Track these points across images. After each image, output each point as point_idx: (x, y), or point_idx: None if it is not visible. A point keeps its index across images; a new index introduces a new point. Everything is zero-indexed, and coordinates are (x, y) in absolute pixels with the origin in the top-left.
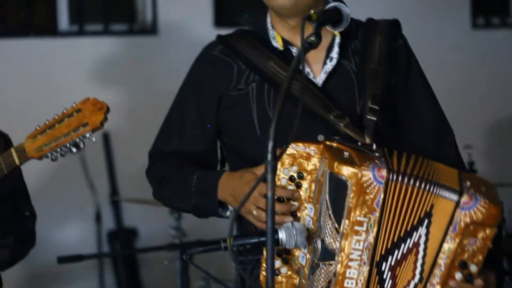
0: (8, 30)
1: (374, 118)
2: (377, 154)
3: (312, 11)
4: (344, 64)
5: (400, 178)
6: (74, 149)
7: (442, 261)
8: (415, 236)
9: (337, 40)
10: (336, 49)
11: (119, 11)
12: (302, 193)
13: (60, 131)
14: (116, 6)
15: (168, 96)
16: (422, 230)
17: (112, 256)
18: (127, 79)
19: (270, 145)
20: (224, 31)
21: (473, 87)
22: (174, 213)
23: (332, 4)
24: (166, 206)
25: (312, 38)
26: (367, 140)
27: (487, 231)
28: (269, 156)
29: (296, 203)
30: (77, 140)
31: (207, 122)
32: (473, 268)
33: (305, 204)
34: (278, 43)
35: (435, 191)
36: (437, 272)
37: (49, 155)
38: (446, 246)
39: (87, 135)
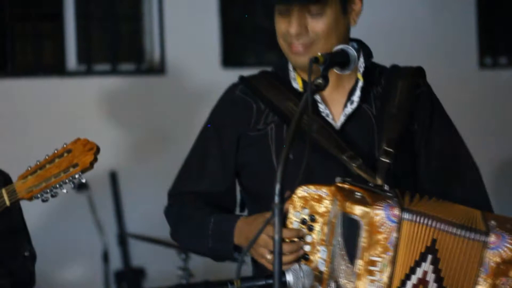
0: (17, 70)
1: (387, 161)
2: (389, 194)
3: (319, 54)
4: (365, 108)
5: (414, 217)
6: (64, 190)
7: None
8: (424, 275)
9: (360, 84)
10: (358, 93)
11: (127, 51)
12: (315, 235)
13: (50, 171)
14: (124, 45)
15: (176, 135)
16: (426, 266)
17: None
18: (134, 118)
19: (277, 187)
20: (232, 71)
21: (480, 126)
22: (182, 253)
23: (339, 46)
24: (183, 248)
25: (319, 81)
26: (379, 181)
27: None
28: (276, 199)
29: (307, 245)
30: (67, 180)
31: (227, 164)
32: None
33: (318, 247)
34: (298, 85)
35: (452, 231)
36: None
37: (39, 195)
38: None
39: (77, 176)
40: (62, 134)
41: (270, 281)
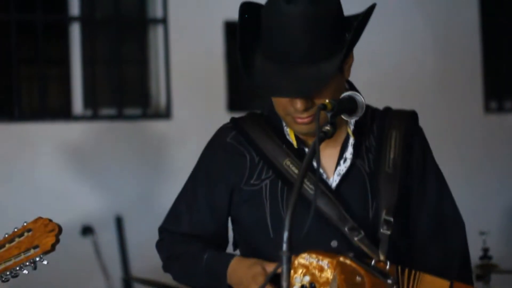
0: (23, 114)
1: (388, 232)
2: (389, 282)
3: (327, 101)
4: (358, 165)
5: None
6: (25, 271)
7: None
8: None
9: (351, 141)
10: (350, 150)
11: (133, 95)
12: None
13: (10, 252)
14: (130, 90)
15: (181, 180)
16: None
17: None
18: (140, 163)
19: (285, 235)
20: (237, 115)
21: (487, 171)
22: None
23: (347, 93)
24: (176, 282)
25: (327, 128)
26: (381, 257)
27: None
28: (284, 246)
29: None
30: (27, 263)
31: (217, 212)
32: None
33: None
34: (292, 141)
35: None
36: None
37: None
38: None
39: (37, 258)
40: (68, 178)
41: None
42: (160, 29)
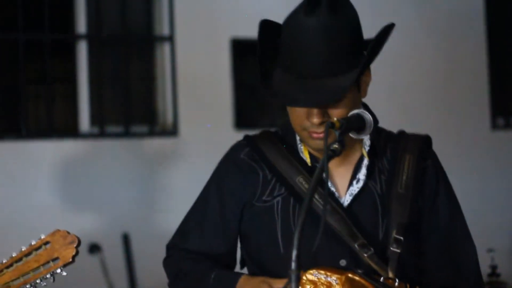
0: (30, 132)
1: (398, 250)
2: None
3: (335, 119)
4: (370, 186)
5: None
6: (44, 284)
7: None
8: None
9: (365, 162)
10: (363, 171)
11: (140, 113)
12: None
13: (29, 266)
14: (137, 107)
15: (188, 197)
16: None
17: None
18: (147, 180)
19: (294, 253)
20: (244, 133)
21: (494, 187)
22: None
23: (355, 111)
24: None
25: (336, 146)
26: (390, 274)
27: None
28: (293, 265)
29: None
30: (48, 275)
31: (227, 229)
32: None
33: None
34: (305, 157)
35: None
36: None
37: None
38: None
39: (58, 270)
40: (75, 195)
41: None
42: (167, 47)
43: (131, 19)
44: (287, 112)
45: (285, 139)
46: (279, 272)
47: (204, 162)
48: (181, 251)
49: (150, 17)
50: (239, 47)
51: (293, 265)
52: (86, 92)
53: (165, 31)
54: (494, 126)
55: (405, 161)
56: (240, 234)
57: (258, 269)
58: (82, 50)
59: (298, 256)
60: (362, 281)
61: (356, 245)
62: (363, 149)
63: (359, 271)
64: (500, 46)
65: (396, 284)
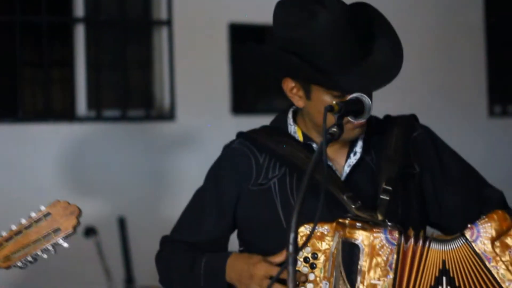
0: (27, 115)
1: (386, 198)
2: (389, 224)
3: (334, 102)
4: (366, 159)
5: (412, 240)
6: (45, 256)
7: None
8: None
9: (362, 135)
10: (360, 144)
11: (137, 97)
12: (317, 273)
13: (29, 238)
14: (134, 91)
15: (185, 181)
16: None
17: None
18: (144, 164)
19: (292, 236)
20: (241, 118)
21: (490, 175)
22: None
23: (354, 95)
24: None
25: (334, 129)
26: (380, 217)
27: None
28: (290, 248)
29: (309, 283)
30: (49, 247)
31: (224, 220)
32: None
33: (320, 284)
34: (298, 137)
35: (444, 247)
36: None
37: (18, 263)
38: (499, 275)
39: (59, 241)
40: (71, 179)
41: None
42: (164, 31)
43: (129, 3)
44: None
45: (276, 127)
46: (282, 249)
47: (201, 146)
48: (174, 243)
49: (148, 1)
50: (237, 32)
51: (290, 247)
52: (84, 76)
53: (163, 15)
54: (491, 113)
55: (393, 133)
56: (239, 221)
57: (260, 253)
58: (80, 33)
59: (295, 238)
60: (353, 222)
61: (344, 197)
62: None
63: (348, 215)
64: (498, 33)
65: (387, 222)
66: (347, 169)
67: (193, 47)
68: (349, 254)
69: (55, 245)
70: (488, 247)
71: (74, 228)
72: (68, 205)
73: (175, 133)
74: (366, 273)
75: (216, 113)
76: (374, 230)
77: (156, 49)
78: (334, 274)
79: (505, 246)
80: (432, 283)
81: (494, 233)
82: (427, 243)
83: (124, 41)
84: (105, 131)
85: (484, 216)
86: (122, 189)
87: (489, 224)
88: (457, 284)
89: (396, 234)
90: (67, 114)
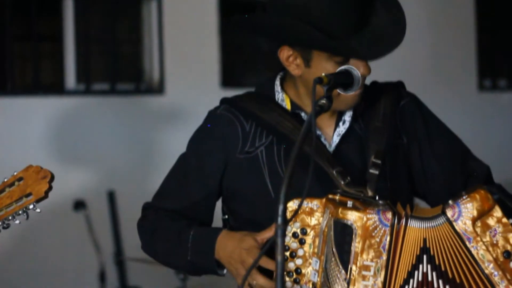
0: (16, 88)
1: (376, 172)
2: (380, 202)
3: (323, 74)
4: (355, 128)
5: (404, 221)
6: (17, 221)
7: (489, 269)
8: (418, 276)
9: None
10: (349, 112)
11: (126, 71)
12: (306, 248)
13: (1, 202)
14: (123, 65)
15: (174, 155)
16: (424, 268)
17: None
18: (133, 138)
19: (280, 208)
20: (231, 92)
21: (480, 148)
22: (180, 273)
23: (344, 67)
24: (156, 260)
25: (323, 101)
26: (369, 193)
27: (494, 214)
28: (279, 220)
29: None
30: (20, 211)
31: (208, 185)
32: None
33: (309, 260)
34: (286, 105)
35: (424, 225)
36: (496, 279)
37: None
38: (478, 255)
39: (31, 206)
40: (60, 151)
41: None
42: (154, 5)
43: None
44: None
45: (262, 94)
46: (271, 219)
47: (190, 120)
48: (158, 211)
49: None
50: (227, 6)
51: (279, 219)
52: (73, 50)
53: None
54: (481, 87)
55: (381, 102)
56: (226, 190)
57: (247, 224)
58: (69, 8)
59: (284, 211)
60: (343, 198)
61: (334, 172)
62: None
63: (338, 190)
64: (488, 8)
65: (377, 198)
66: (336, 139)
67: (183, 21)
68: (341, 234)
69: (27, 210)
70: (469, 227)
71: (46, 193)
72: (40, 169)
73: (164, 106)
74: (359, 255)
75: (205, 87)
76: (367, 210)
77: (146, 22)
78: (325, 252)
79: (486, 227)
80: (414, 262)
81: (475, 213)
82: (409, 220)
83: (113, 14)
84: (94, 105)
85: (466, 195)
86: (111, 163)
87: (470, 204)
88: (437, 262)
89: (389, 215)
90: (56, 87)
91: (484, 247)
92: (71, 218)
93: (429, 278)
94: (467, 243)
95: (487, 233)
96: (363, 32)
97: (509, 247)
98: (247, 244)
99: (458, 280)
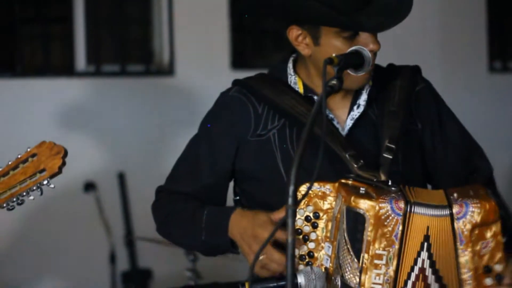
0: (26, 70)
1: (390, 156)
2: (393, 189)
3: (333, 55)
4: (369, 113)
5: (415, 209)
6: (31, 197)
7: (466, 275)
8: (419, 262)
9: (367, 87)
10: (364, 96)
11: (136, 52)
12: (319, 232)
13: (15, 178)
14: (133, 47)
15: (184, 136)
16: (424, 254)
17: None
18: (143, 119)
19: (291, 189)
20: (240, 73)
21: (490, 130)
22: (190, 254)
23: (354, 47)
24: (170, 242)
25: (334, 82)
26: (382, 177)
27: (493, 228)
28: (290, 201)
29: (311, 242)
30: (34, 187)
31: (220, 167)
32: (498, 268)
33: (322, 244)
34: (299, 89)
35: (427, 212)
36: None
37: (4, 205)
38: (462, 260)
39: (45, 182)
40: (70, 133)
41: (282, 283)
42: None
43: None
44: (284, 51)
45: (275, 76)
46: (283, 202)
47: (200, 101)
48: (172, 194)
49: None
50: None
51: (289, 200)
52: (83, 32)
53: None
54: (492, 69)
55: (396, 86)
56: (238, 172)
57: (259, 206)
58: None
59: (294, 191)
60: (356, 183)
61: (347, 155)
62: None
63: (351, 175)
64: None
65: (390, 183)
66: (349, 123)
67: (193, 2)
68: (353, 223)
69: (41, 186)
70: (467, 230)
71: (60, 168)
72: (54, 145)
73: (174, 88)
74: (371, 244)
75: (215, 68)
76: (380, 199)
77: (156, 4)
78: (337, 238)
79: (481, 237)
80: (418, 249)
81: (479, 220)
82: (414, 207)
83: None
84: (104, 86)
85: (476, 201)
86: (121, 144)
87: (478, 210)
88: (432, 251)
89: (401, 204)
90: (66, 69)
91: (470, 255)
92: (81, 199)
93: (424, 266)
94: (458, 244)
95: (479, 243)
96: (370, 7)
97: (491, 264)
98: (260, 220)
99: (440, 274)
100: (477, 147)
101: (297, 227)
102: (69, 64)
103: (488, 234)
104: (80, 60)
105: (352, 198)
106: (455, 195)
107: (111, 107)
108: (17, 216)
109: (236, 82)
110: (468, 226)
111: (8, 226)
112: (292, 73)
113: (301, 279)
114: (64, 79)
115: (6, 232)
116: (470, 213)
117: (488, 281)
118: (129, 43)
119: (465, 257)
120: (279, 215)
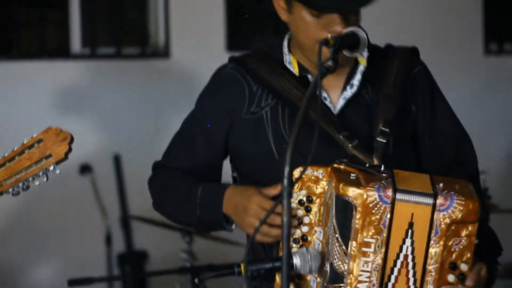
0: (21, 53)
1: (383, 140)
2: (384, 175)
3: (329, 36)
4: (363, 94)
5: (403, 196)
6: (37, 183)
7: (431, 267)
8: (404, 249)
9: (361, 68)
10: (358, 77)
11: (132, 34)
12: (312, 216)
13: (21, 164)
14: (129, 29)
15: (180, 118)
16: (408, 241)
17: (122, 279)
18: (139, 102)
19: (286, 170)
20: (236, 55)
21: (486, 113)
22: (186, 236)
23: (350, 29)
24: (165, 217)
25: (329, 63)
26: (375, 162)
27: (470, 228)
28: (285, 182)
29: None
30: (40, 173)
31: (215, 142)
32: (464, 267)
33: (315, 228)
34: (294, 69)
35: (412, 199)
36: (429, 279)
37: (9, 190)
38: (432, 251)
39: (51, 168)
40: (66, 115)
41: (277, 264)
42: None
43: None
44: (280, 33)
45: (270, 54)
46: (275, 181)
47: (196, 83)
48: (168, 169)
49: None
50: None
51: (285, 181)
52: (78, 13)
53: None
54: (487, 51)
55: (393, 68)
56: (231, 149)
57: (252, 184)
58: None
59: (290, 173)
60: (348, 168)
61: (340, 136)
62: (359, 56)
63: (344, 160)
64: None
65: (382, 169)
66: (341, 102)
67: None
68: (342, 210)
69: (47, 172)
70: (445, 224)
71: (66, 154)
72: (60, 131)
73: (170, 70)
74: (360, 231)
75: (211, 50)
76: (368, 187)
77: None
78: (328, 224)
79: (456, 234)
80: (404, 236)
81: (459, 217)
82: (397, 194)
83: None
84: (100, 69)
85: (461, 198)
86: (117, 127)
87: (461, 207)
88: (413, 239)
89: (389, 192)
90: (61, 51)
91: (441, 248)
92: (77, 182)
93: (407, 253)
94: (432, 234)
95: (453, 239)
96: None
97: (458, 262)
98: (249, 192)
99: (415, 261)
100: (466, 137)
101: (291, 210)
102: (64, 47)
103: (464, 233)
104: (76, 43)
105: (341, 185)
106: (441, 185)
107: (106, 90)
108: (12, 198)
109: (232, 59)
110: (447, 220)
111: (4, 208)
112: (287, 52)
113: (296, 260)
114: (59, 62)
115: (1, 215)
116: (452, 208)
117: (451, 277)
118: (124, 26)
119: (435, 249)
120: (271, 191)
